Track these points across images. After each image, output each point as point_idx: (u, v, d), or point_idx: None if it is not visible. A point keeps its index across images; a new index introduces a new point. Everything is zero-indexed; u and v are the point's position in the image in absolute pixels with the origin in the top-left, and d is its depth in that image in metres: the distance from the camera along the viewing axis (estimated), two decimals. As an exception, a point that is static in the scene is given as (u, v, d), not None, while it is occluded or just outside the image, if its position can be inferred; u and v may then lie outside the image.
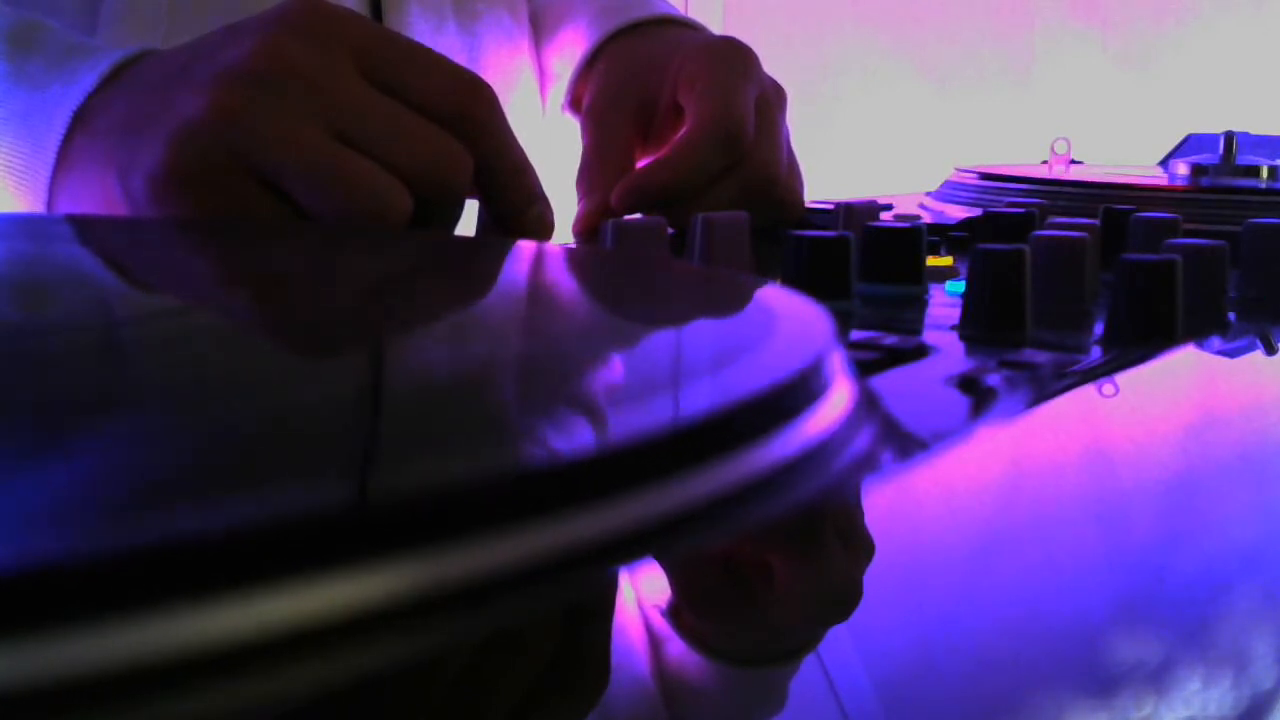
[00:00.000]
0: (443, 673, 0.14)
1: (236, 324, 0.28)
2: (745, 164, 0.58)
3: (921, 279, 0.43)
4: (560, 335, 0.27)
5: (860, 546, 0.21)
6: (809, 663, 0.16)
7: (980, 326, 0.37)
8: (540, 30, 0.76)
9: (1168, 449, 0.30)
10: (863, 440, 0.23)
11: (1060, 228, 0.45)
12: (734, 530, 0.18)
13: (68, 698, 0.12)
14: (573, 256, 0.39)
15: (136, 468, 0.16)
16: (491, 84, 0.46)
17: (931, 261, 0.47)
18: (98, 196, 0.45)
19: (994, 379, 0.31)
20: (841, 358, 0.24)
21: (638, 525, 0.16)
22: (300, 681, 0.13)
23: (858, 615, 0.18)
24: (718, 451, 0.18)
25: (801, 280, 0.39)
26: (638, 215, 0.54)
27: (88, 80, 0.46)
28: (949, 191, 0.75)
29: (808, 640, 0.17)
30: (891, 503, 0.22)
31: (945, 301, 0.42)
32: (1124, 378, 0.33)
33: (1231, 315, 0.42)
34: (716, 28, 0.78)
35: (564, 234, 0.56)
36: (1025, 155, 0.95)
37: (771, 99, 0.61)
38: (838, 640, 0.17)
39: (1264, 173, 0.74)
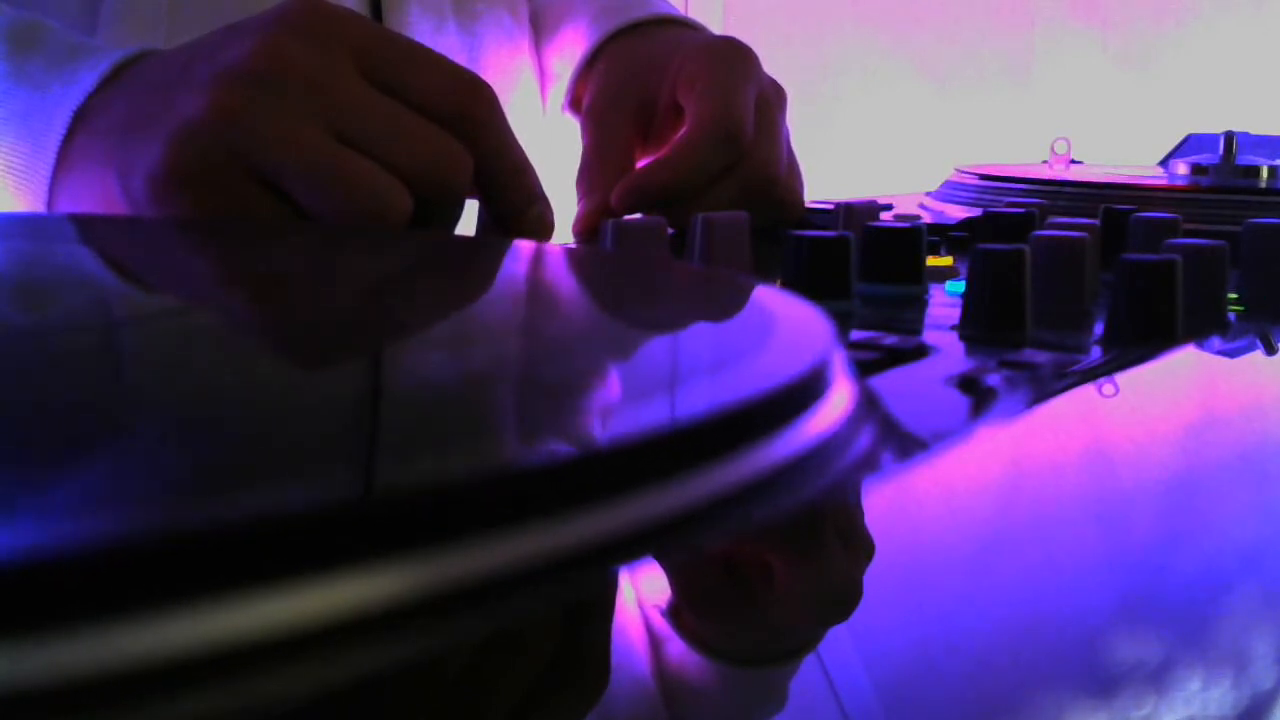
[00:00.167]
0: (443, 673, 0.14)
1: (237, 324, 0.28)
2: (745, 164, 0.58)
3: (921, 279, 0.43)
4: (560, 336, 0.27)
5: (860, 546, 0.21)
6: (809, 663, 0.16)
7: (980, 326, 0.37)
8: (540, 30, 0.76)
9: (1168, 449, 0.30)
10: (863, 440, 0.23)
11: (1060, 228, 0.45)
12: (734, 530, 0.18)
13: (68, 698, 0.12)
14: (573, 256, 0.39)
15: (137, 468, 0.16)
16: (491, 84, 0.46)
17: (931, 261, 0.47)
18: (98, 196, 0.45)
19: (994, 379, 0.31)
20: (842, 358, 0.24)
21: (638, 525, 0.16)
22: (300, 681, 0.13)
23: (858, 615, 0.18)
24: (718, 452, 0.18)
25: (801, 280, 0.39)
26: (638, 215, 0.54)
27: (88, 80, 0.46)
28: (949, 191, 0.75)
29: (808, 640, 0.17)
30: (891, 503, 0.22)
31: (945, 301, 0.42)
32: (1124, 378, 0.33)
33: (1231, 315, 0.42)
34: (716, 28, 0.78)
35: (564, 234, 0.56)
36: (1025, 155, 0.95)
37: (771, 99, 0.61)
38: (838, 640, 0.17)
39: (1264, 173, 0.75)
